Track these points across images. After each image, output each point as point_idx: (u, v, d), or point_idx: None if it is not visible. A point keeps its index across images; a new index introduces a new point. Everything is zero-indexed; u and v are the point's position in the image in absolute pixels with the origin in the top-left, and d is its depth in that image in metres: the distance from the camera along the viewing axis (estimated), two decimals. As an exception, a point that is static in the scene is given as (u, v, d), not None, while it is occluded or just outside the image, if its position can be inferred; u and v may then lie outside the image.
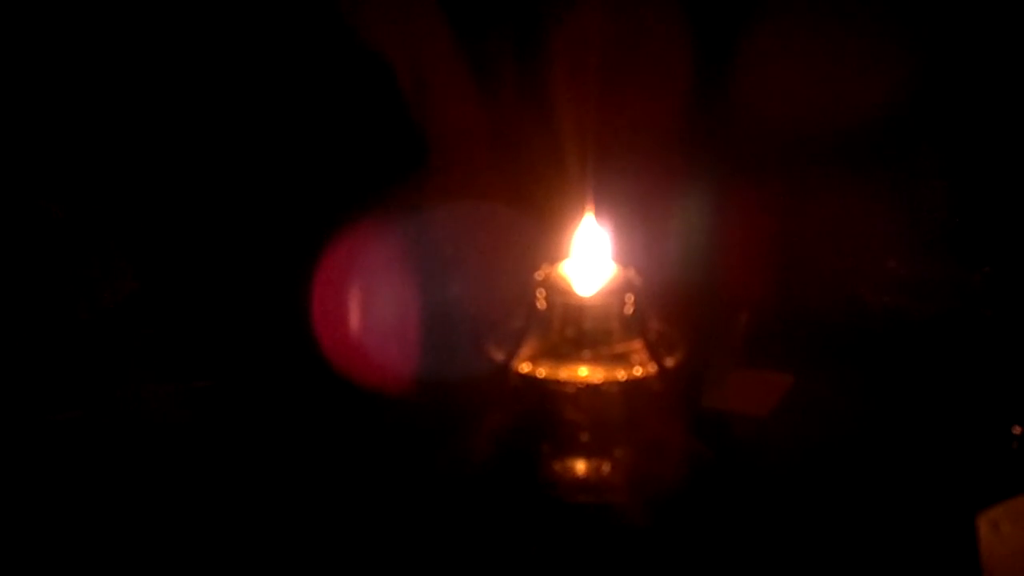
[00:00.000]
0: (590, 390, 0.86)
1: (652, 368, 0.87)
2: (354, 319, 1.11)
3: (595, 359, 0.87)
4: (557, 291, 0.89)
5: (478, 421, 0.93)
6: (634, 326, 0.88)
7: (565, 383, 0.86)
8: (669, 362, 0.88)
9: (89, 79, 1.15)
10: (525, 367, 0.87)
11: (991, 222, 1.21)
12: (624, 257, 0.91)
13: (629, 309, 0.88)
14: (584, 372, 0.86)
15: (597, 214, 0.92)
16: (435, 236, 1.14)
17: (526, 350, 0.88)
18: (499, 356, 0.88)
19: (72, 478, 0.96)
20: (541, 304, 0.88)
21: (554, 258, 0.91)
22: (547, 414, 0.88)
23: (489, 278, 1.10)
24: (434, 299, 1.12)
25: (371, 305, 1.12)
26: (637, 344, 0.88)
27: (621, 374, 0.86)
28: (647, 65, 1.15)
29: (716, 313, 1.12)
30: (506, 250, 1.10)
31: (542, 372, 0.86)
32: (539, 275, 0.90)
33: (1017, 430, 0.99)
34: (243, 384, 1.10)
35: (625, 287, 0.89)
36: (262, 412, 1.06)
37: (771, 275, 1.15)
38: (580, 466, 0.88)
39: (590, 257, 0.91)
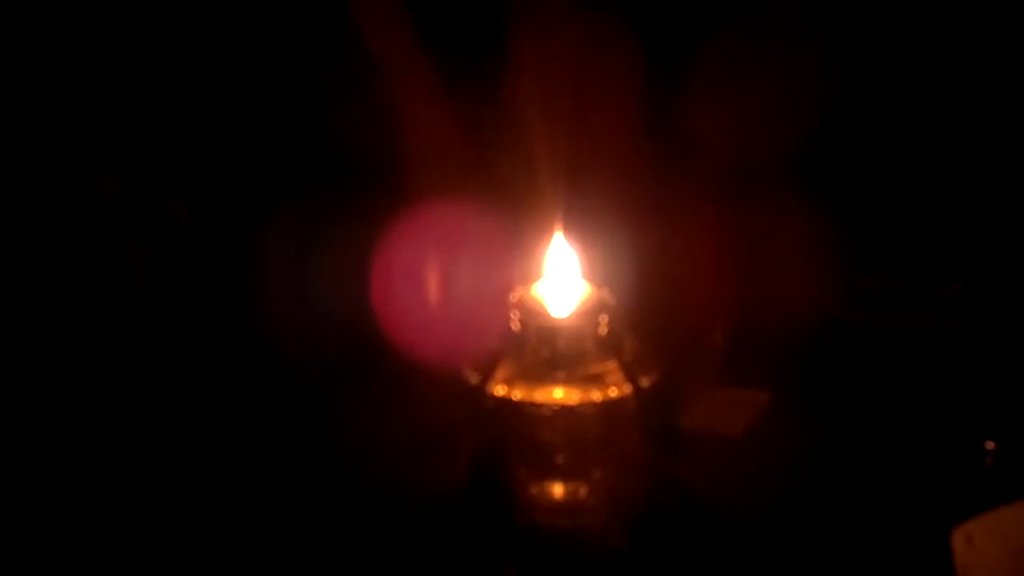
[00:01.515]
0: (566, 412, 0.86)
1: (628, 388, 0.86)
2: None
3: (570, 380, 0.86)
4: (531, 312, 0.88)
5: (453, 444, 0.92)
6: (609, 346, 0.88)
7: (540, 405, 0.86)
8: (644, 382, 0.87)
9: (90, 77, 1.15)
10: (500, 389, 0.86)
11: (962, 236, 1.22)
12: (597, 277, 0.91)
13: (603, 329, 0.88)
14: (559, 394, 0.86)
15: (569, 234, 0.92)
16: (406, 257, 1.14)
17: (501, 372, 0.87)
18: (474, 378, 0.87)
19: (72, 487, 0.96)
20: (515, 326, 0.88)
21: (527, 279, 0.91)
22: (523, 436, 0.87)
23: (462, 298, 1.10)
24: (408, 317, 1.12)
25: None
26: (612, 365, 0.87)
27: (597, 395, 0.86)
28: (617, 86, 1.15)
29: (690, 332, 1.13)
30: (478, 270, 1.10)
31: (517, 394, 0.86)
32: (512, 297, 0.89)
33: (991, 445, 1.00)
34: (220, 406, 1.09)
35: (599, 307, 0.88)
36: (233, 432, 1.05)
37: (743, 293, 1.15)
38: (557, 489, 0.88)
39: (563, 278, 0.91)
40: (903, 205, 1.22)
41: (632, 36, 1.15)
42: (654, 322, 0.95)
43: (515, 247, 0.99)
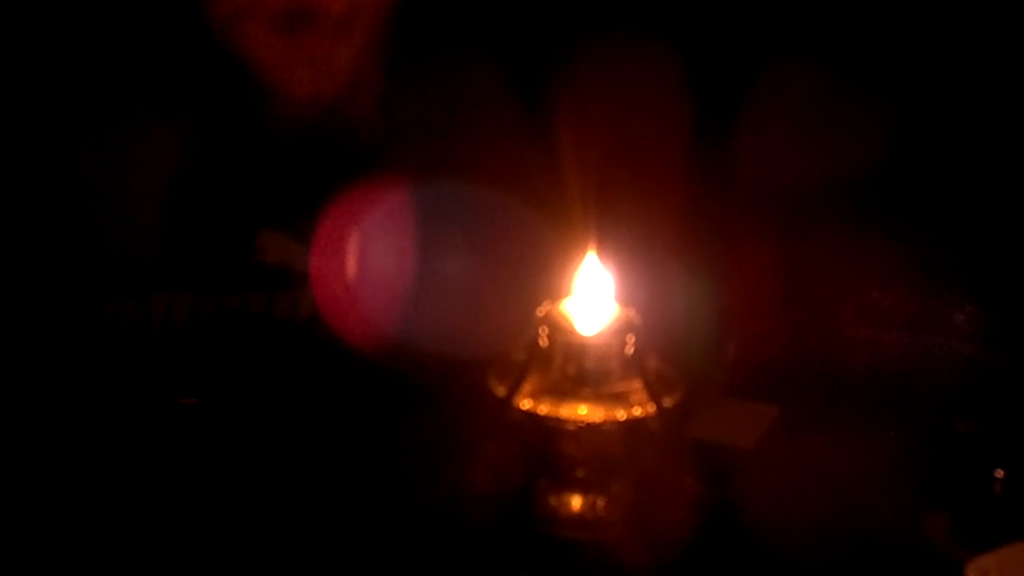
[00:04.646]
0: (590, 428, 0.87)
1: (651, 408, 0.88)
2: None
3: (595, 398, 0.88)
4: (559, 329, 0.89)
5: (477, 454, 0.94)
6: (634, 366, 0.89)
7: (565, 421, 0.87)
8: (667, 402, 0.89)
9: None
10: (526, 403, 0.88)
11: (976, 258, 1.23)
12: (626, 297, 0.92)
13: (630, 349, 0.89)
14: (584, 410, 0.87)
15: (600, 254, 0.93)
16: (438, 270, 1.14)
17: (527, 386, 0.88)
18: (500, 391, 0.89)
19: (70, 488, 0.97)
20: (543, 341, 0.89)
21: (557, 296, 0.92)
22: (546, 450, 0.89)
23: (493, 313, 1.11)
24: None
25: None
26: (636, 384, 0.89)
27: (620, 413, 0.87)
28: (649, 108, 1.16)
29: (707, 346, 1.14)
30: (511, 285, 1.11)
31: (543, 409, 0.87)
32: (541, 312, 0.90)
33: (999, 473, 1.01)
34: (233, 401, 1.10)
35: (626, 327, 0.90)
36: (252, 430, 1.06)
37: (762, 308, 1.16)
38: (576, 502, 0.90)
39: (592, 296, 0.92)
40: (919, 224, 1.23)
41: (673, 56, 1.15)
42: (679, 344, 0.96)
43: (548, 262, 0.99)
